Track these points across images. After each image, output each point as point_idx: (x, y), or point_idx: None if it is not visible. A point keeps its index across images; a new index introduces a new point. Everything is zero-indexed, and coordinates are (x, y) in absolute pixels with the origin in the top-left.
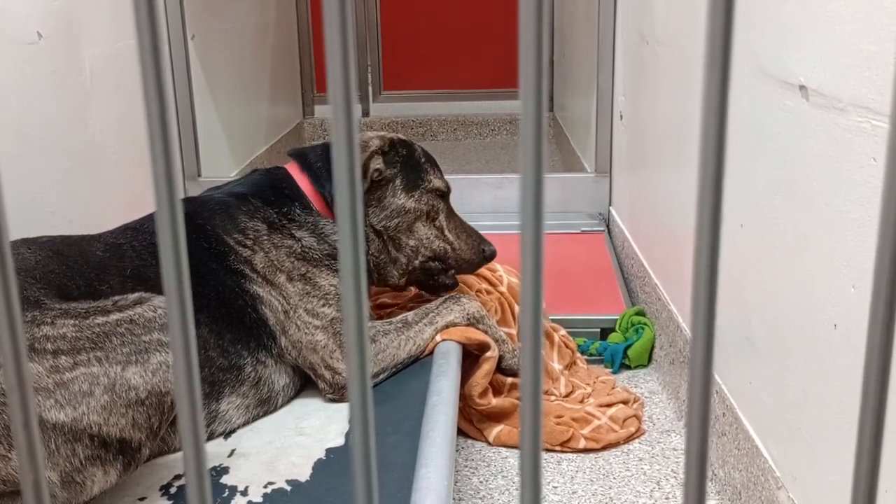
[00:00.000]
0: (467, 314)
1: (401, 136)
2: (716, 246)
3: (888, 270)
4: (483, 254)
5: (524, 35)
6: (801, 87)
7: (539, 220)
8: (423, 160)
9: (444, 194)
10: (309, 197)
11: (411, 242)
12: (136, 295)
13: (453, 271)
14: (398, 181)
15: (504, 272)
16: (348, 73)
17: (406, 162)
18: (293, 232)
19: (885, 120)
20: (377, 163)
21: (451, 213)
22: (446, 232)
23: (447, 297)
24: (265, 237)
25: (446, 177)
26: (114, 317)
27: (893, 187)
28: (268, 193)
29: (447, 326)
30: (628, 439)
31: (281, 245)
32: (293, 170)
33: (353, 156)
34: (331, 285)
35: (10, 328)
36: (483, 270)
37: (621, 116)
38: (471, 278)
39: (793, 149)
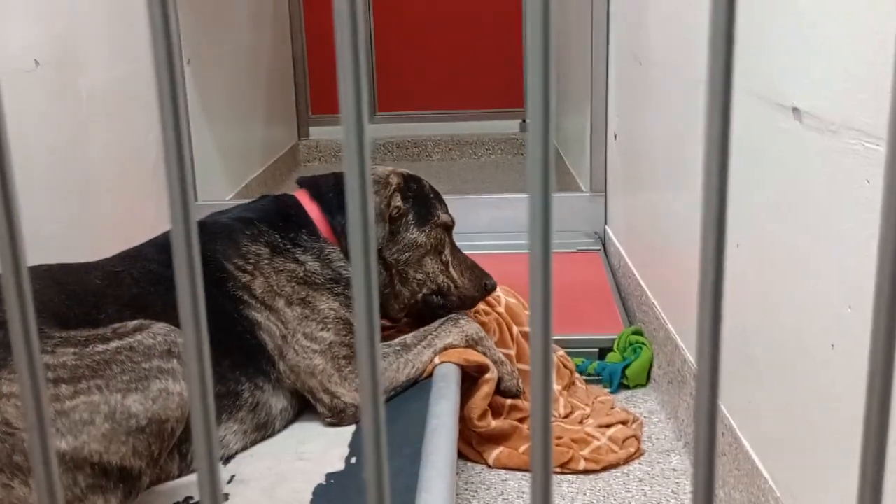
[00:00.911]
0: (466, 336)
1: (408, 171)
2: (720, 269)
3: (888, 291)
4: (485, 288)
5: (532, 58)
6: (795, 110)
7: (548, 239)
8: (431, 195)
9: (449, 228)
10: (317, 224)
11: (418, 276)
12: (135, 322)
13: (452, 304)
14: (411, 216)
15: (502, 293)
16: (360, 98)
17: (417, 196)
18: (297, 256)
19: (878, 142)
20: (397, 200)
21: (454, 248)
22: (451, 268)
23: (445, 318)
24: (266, 261)
25: (444, 198)
26: (113, 344)
27: (892, 206)
28: (275, 218)
29: (446, 348)
30: (628, 460)
31: (283, 269)
32: (303, 197)
33: (365, 181)
34: (330, 309)
35: (29, 370)
36: None
37: (615, 136)
38: None
39: (787, 170)
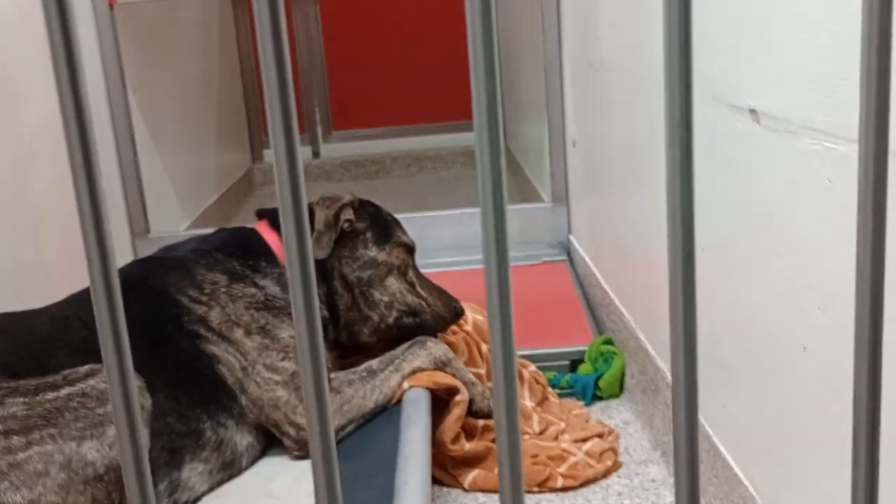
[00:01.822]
0: (434, 358)
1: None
2: (691, 276)
3: (869, 290)
4: (455, 311)
5: (475, 66)
6: (752, 111)
7: (503, 250)
8: (389, 218)
9: (411, 251)
10: (277, 253)
11: (385, 298)
12: (87, 367)
13: (427, 324)
14: (369, 234)
15: (469, 310)
16: (289, 115)
17: (375, 217)
18: (256, 281)
19: (838, 141)
20: (348, 213)
21: (419, 272)
22: (418, 287)
23: (412, 342)
24: (223, 289)
25: (403, 216)
26: (65, 391)
27: (867, 207)
28: (232, 248)
29: (414, 372)
30: (606, 473)
31: (241, 295)
32: (262, 228)
33: (298, 197)
34: (291, 337)
35: None
36: None
37: (574, 143)
38: None
39: (748, 172)
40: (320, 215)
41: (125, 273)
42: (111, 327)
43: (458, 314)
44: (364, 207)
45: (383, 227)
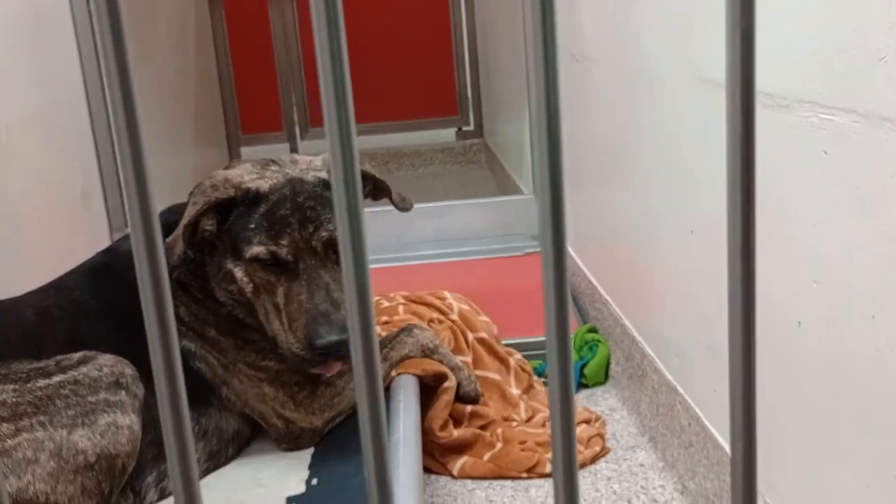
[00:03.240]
0: (421, 346)
1: (297, 176)
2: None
3: None
4: (311, 347)
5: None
6: None
7: (561, 235)
8: (264, 224)
9: (272, 265)
10: None
11: (253, 321)
12: (80, 354)
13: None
14: (227, 242)
15: (454, 299)
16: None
17: (246, 218)
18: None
19: (834, 112)
20: (208, 222)
21: (293, 290)
22: (281, 314)
23: (400, 329)
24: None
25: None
26: (57, 378)
27: None
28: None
29: (402, 360)
30: (594, 459)
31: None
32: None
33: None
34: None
35: None
36: (432, 299)
37: None
38: (421, 308)
39: None
40: (189, 211)
41: (90, 265)
42: (156, 309)
43: (314, 348)
44: (242, 200)
45: (244, 230)
